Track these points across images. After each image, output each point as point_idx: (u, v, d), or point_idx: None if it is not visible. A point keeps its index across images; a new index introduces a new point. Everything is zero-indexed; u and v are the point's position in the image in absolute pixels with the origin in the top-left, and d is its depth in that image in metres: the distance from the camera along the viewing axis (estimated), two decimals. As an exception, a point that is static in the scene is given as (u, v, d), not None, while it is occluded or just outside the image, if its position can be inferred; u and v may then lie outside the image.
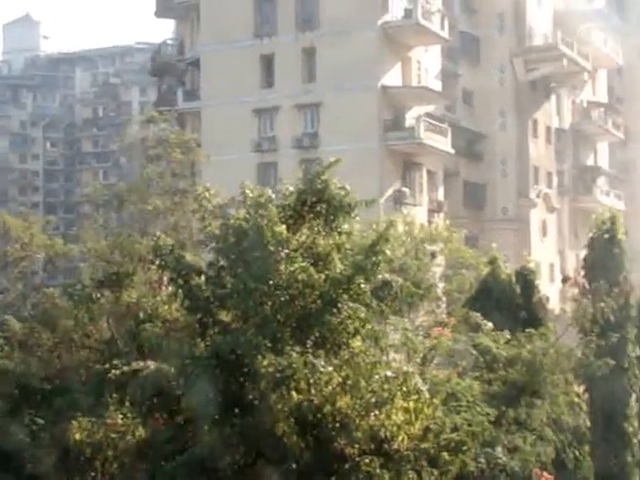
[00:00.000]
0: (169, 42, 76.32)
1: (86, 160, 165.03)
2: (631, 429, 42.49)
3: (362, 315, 21.65)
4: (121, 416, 22.03)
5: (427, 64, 64.80)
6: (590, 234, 45.90)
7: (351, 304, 21.58)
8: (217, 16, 63.85)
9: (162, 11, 74.08)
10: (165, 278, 23.45)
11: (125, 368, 20.88)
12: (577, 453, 35.48)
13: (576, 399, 34.94)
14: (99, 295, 24.96)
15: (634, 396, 43.14)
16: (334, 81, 59.56)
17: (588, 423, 36.28)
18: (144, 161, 54.76)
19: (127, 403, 21.53)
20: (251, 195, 22.39)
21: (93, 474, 22.87)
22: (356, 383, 20.62)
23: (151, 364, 20.64)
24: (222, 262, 22.04)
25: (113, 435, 21.73)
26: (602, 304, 39.73)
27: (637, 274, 49.88)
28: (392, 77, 60.74)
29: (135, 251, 29.51)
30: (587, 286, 42.21)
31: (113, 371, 21.06)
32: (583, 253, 47.85)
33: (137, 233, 35.17)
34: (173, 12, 72.66)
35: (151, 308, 23.22)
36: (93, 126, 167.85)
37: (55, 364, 26.27)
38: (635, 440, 43.08)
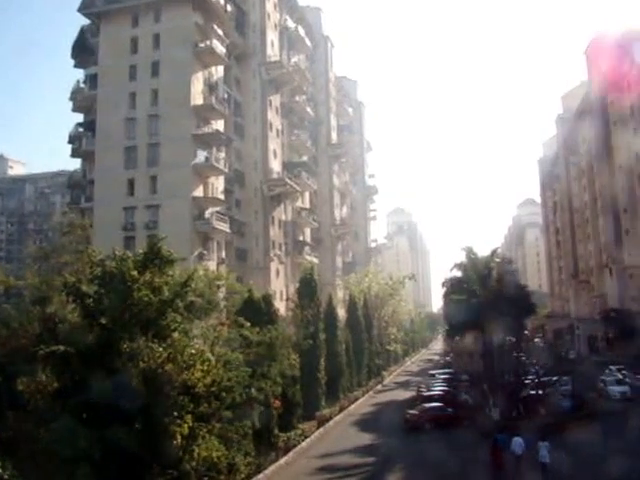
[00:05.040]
0: (78, 171, 72.54)
1: (30, 234, 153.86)
2: (320, 376, 43.40)
3: (179, 320, 21.51)
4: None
5: (217, 185, 64.49)
6: (300, 275, 46.83)
7: (173, 314, 21.41)
8: (104, 158, 61.64)
9: (74, 154, 70.31)
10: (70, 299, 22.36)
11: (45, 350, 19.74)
12: (293, 390, 35.87)
13: (293, 362, 35.29)
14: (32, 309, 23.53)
15: (322, 359, 44.06)
16: (167, 193, 58.58)
17: (299, 374, 36.73)
18: (60, 234, 53.58)
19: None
20: (118, 254, 22.10)
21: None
22: (175, 356, 20.45)
23: (61, 347, 19.65)
24: (102, 290, 21.38)
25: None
26: (306, 312, 40.64)
27: (324, 295, 51.22)
28: (198, 192, 60.26)
29: (54, 284, 27.64)
30: (298, 303, 43.04)
31: (40, 352, 19.82)
32: (297, 285, 48.82)
33: (55, 275, 32.88)
34: (81, 155, 68.94)
35: (63, 315, 22.12)
36: (35, 214, 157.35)
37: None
38: (323, 382, 43.99)
